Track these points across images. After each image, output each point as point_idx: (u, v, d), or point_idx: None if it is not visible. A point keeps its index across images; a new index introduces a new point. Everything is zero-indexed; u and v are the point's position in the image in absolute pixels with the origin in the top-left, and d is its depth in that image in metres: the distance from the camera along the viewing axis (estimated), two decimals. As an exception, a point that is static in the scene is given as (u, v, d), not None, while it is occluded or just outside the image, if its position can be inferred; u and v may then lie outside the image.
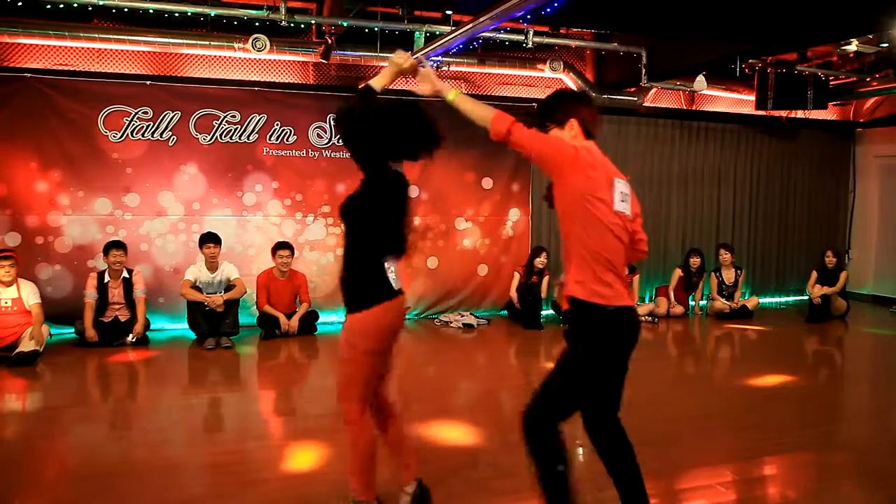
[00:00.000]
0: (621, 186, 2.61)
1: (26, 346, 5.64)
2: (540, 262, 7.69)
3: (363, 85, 2.74)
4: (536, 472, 2.59)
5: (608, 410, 2.71)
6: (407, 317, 7.93)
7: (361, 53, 7.02)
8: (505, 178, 8.17)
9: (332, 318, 7.58)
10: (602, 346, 2.55)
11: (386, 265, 2.77)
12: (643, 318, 7.96)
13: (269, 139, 7.27)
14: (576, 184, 2.53)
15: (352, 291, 2.79)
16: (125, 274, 6.39)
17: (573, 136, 2.66)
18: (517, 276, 7.84)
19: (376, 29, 6.64)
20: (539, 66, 7.83)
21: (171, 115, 6.93)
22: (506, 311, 8.16)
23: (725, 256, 8.46)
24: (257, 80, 7.34)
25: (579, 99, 2.78)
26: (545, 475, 2.58)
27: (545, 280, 7.70)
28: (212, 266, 6.58)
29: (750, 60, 7.50)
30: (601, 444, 2.74)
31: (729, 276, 8.49)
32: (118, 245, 6.31)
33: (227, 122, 7.12)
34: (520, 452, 2.70)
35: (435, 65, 7.48)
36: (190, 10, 6.03)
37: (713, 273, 8.54)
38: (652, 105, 8.87)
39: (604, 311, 2.51)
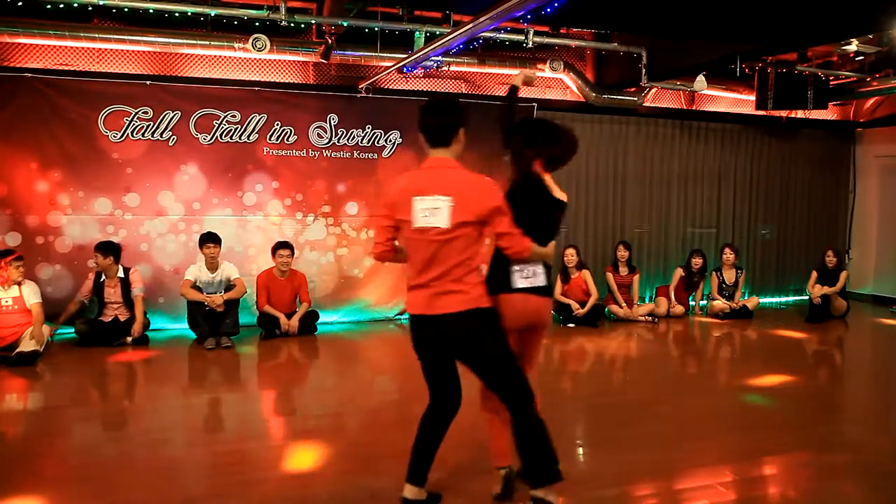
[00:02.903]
0: (424, 203, 2.86)
1: (27, 345, 5.64)
2: None
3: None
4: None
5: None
6: (406, 317, 7.93)
7: (361, 53, 7.02)
8: (505, 178, 8.13)
9: (332, 318, 7.58)
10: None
11: (513, 265, 3.04)
12: (643, 318, 7.96)
13: (270, 139, 7.27)
14: None
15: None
16: (121, 273, 6.39)
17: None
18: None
19: (376, 29, 6.64)
20: (539, 66, 7.82)
21: (172, 115, 6.92)
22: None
23: (729, 256, 8.45)
24: (257, 80, 7.33)
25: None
26: None
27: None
28: (212, 266, 6.58)
29: (750, 60, 7.50)
30: None
31: (730, 276, 8.49)
32: (99, 248, 6.28)
33: (227, 122, 7.12)
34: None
35: (435, 65, 7.48)
36: (190, 10, 6.03)
37: (714, 272, 8.54)
38: (652, 105, 8.87)
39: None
